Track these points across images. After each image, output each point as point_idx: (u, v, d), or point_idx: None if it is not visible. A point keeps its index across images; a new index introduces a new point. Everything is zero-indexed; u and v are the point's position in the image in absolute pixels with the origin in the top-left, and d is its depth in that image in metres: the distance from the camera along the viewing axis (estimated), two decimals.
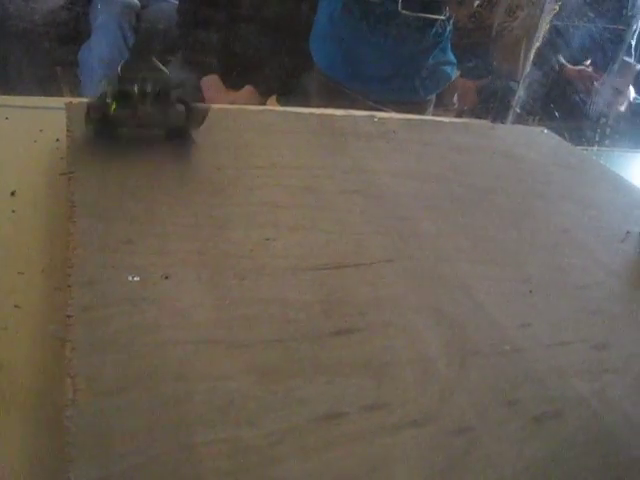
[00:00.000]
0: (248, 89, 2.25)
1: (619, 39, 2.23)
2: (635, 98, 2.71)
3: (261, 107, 1.05)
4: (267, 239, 0.70)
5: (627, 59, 2.50)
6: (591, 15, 2.11)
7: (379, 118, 1.13)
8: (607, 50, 2.24)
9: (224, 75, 2.25)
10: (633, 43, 2.37)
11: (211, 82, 2.22)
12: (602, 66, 2.44)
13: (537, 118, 2.04)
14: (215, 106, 1.01)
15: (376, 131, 1.07)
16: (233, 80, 2.28)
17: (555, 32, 2.02)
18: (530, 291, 0.73)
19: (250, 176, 0.82)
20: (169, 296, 0.59)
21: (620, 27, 2.20)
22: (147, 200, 0.72)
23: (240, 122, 0.98)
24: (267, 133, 0.97)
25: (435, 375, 0.56)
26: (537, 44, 1.89)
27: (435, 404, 0.53)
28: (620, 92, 2.44)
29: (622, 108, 2.49)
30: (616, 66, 2.41)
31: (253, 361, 0.53)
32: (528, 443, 0.52)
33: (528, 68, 1.90)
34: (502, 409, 0.55)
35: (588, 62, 2.46)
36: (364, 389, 0.53)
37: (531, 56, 1.90)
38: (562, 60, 2.40)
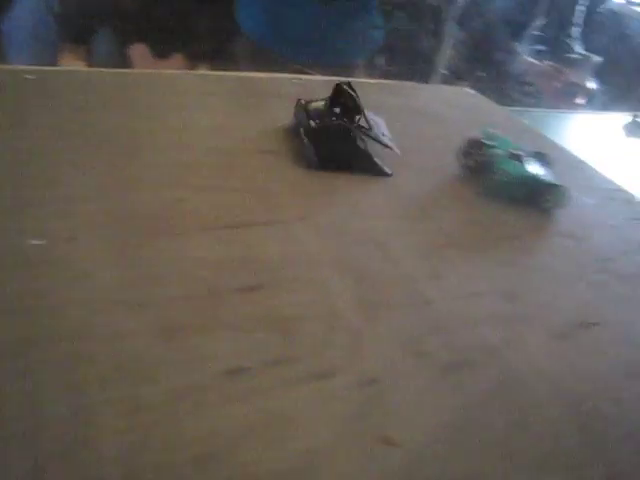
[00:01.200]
0: (177, 57, 2.21)
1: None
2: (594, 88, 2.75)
3: (181, 71, 1.04)
4: (178, 199, 0.69)
5: (586, 53, 2.53)
6: None
7: (301, 79, 1.12)
8: (526, 10, 2.25)
9: (153, 44, 2.21)
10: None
11: (139, 51, 2.17)
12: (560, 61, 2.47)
13: (465, 82, 2.04)
14: (134, 71, 0.99)
15: (296, 92, 1.05)
16: (162, 49, 2.24)
17: None
18: (445, 244, 0.73)
19: (163, 138, 0.81)
20: (74, 258, 0.57)
21: None
22: (53, 163, 0.70)
23: (158, 85, 0.97)
24: (185, 95, 0.95)
25: (343, 328, 0.56)
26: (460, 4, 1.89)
27: (342, 357, 0.53)
28: (580, 86, 2.47)
29: (582, 101, 2.51)
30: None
31: (157, 319, 0.52)
32: (436, 392, 0.52)
33: (452, 29, 1.90)
34: (410, 360, 0.55)
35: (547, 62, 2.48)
36: (269, 344, 0.52)
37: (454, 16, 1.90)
38: (526, 57, 2.41)
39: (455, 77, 2.00)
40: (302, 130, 0.87)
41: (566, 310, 0.67)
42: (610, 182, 1.04)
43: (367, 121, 0.89)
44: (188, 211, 0.67)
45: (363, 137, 0.88)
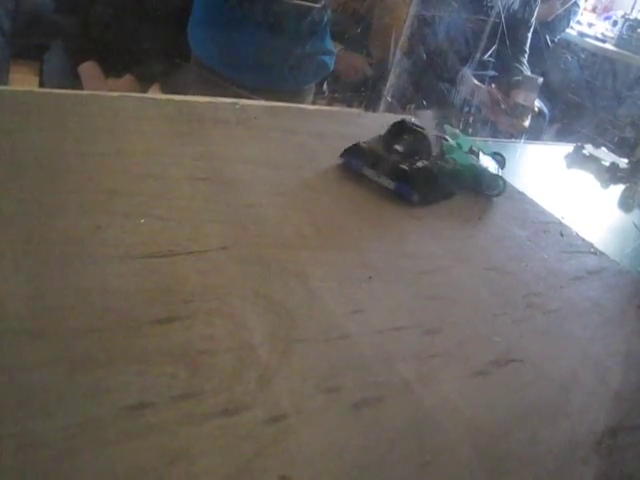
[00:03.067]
0: (128, 78, 2.20)
1: (480, 29, 2.27)
2: (541, 109, 2.80)
3: (117, 93, 1.02)
4: (98, 227, 0.67)
5: (530, 74, 2.57)
6: (455, 5, 2.15)
7: (241, 105, 1.12)
8: (469, 39, 2.28)
9: (104, 62, 2.19)
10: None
11: (89, 69, 2.15)
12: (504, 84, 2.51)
13: (413, 107, 2.05)
14: (67, 91, 0.98)
15: (236, 118, 1.05)
16: (113, 68, 2.22)
17: (422, 21, 2.04)
18: (370, 277, 0.72)
19: (92, 163, 0.79)
20: None
21: (481, 17, 2.25)
22: None
23: (92, 107, 0.95)
24: (119, 119, 0.94)
25: (254, 363, 0.55)
26: (407, 32, 1.90)
27: (250, 392, 0.52)
28: (526, 107, 2.50)
29: (527, 123, 2.55)
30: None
31: (62, 351, 0.51)
32: (343, 430, 0.52)
33: (398, 56, 1.91)
34: (321, 396, 0.54)
35: (493, 85, 2.51)
36: (176, 379, 0.51)
37: (400, 45, 1.91)
38: (469, 75, 2.44)
39: (402, 105, 2.01)
40: (372, 172, 0.94)
41: (487, 346, 0.67)
42: (546, 214, 1.05)
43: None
44: (107, 239, 0.66)
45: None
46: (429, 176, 0.95)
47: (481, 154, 1.05)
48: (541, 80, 2.56)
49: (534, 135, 2.60)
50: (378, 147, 0.97)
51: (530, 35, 2.57)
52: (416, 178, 0.92)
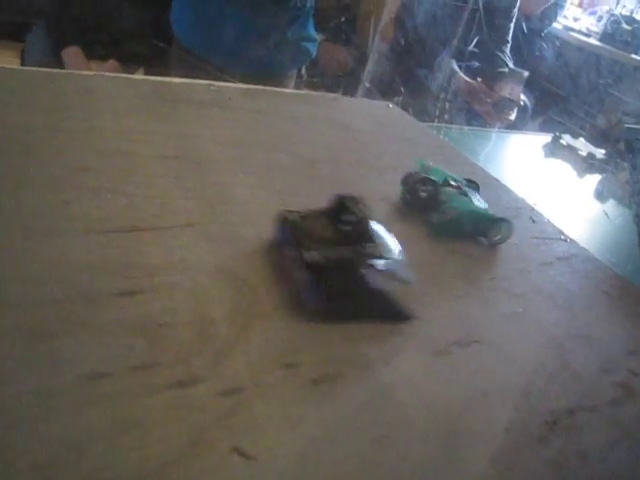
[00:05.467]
0: (112, 63, 2.20)
1: (458, 15, 2.28)
2: (525, 102, 2.81)
3: (92, 72, 1.02)
4: (65, 201, 0.67)
5: (516, 68, 2.58)
6: None
7: (217, 86, 1.12)
8: (447, 25, 2.28)
9: (87, 47, 2.19)
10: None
11: (73, 55, 2.14)
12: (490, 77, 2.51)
13: (398, 99, 2.06)
14: (41, 69, 0.97)
15: (211, 99, 1.05)
16: (96, 51, 2.22)
17: (402, 6, 2.05)
18: None
19: (62, 139, 0.79)
20: None
21: (459, 3, 2.25)
22: None
23: (66, 86, 0.95)
24: (93, 97, 0.94)
25: (214, 337, 0.55)
26: (386, 18, 1.90)
27: (207, 365, 0.52)
28: (512, 101, 2.51)
29: (512, 117, 2.56)
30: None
31: (21, 321, 0.51)
32: (300, 404, 0.52)
33: (377, 42, 1.90)
34: (279, 371, 0.54)
35: (479, 79, 2.52)
36: (134, 350, 0.52)
37: (379, 30, 1.91)
38: (456, 68, 2.45)
39: (381, 92, 2.01)
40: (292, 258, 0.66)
41: (450, 327, 0.67)
42: (519, 200, 1.05)
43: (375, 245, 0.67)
44: (74, 213, 0.66)
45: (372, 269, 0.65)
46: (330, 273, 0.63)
47: (470, 192, 0.91)
48: (527, 74, 2.57)
49: (517, 127, 2.61)
50: (314, 224, 0.68)
51: (512, 25, 2.58)
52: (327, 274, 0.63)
